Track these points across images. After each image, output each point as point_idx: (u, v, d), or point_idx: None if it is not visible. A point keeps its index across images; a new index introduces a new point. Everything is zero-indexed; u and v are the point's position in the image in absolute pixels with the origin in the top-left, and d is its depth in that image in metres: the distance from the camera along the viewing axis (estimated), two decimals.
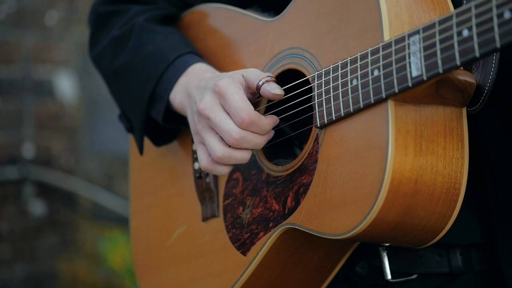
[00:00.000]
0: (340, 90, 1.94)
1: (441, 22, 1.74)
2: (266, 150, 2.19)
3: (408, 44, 1.80)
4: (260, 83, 2.05)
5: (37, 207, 6.33)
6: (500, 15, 1.62)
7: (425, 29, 1.77)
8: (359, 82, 1.90)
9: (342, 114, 1.93)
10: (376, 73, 1.86)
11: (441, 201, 1.88)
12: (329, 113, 1.96)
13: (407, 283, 2.10)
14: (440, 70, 1.74)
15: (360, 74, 1.90)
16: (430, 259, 2.08)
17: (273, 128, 2.13)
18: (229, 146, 2.04)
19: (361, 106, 1.89)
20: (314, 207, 1.98)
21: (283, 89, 2.10)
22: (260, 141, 2.04)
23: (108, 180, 6.48)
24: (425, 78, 1.77)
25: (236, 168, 2.23)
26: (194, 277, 2.34)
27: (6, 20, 6.18)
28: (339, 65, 1.95)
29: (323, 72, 1.99)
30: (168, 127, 2.35)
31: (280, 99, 2.08)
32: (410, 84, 1.80)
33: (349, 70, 1.92)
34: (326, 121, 1.97)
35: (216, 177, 2.30)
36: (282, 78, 2.14)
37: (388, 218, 1.85)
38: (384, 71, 1.84)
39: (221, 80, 2.06)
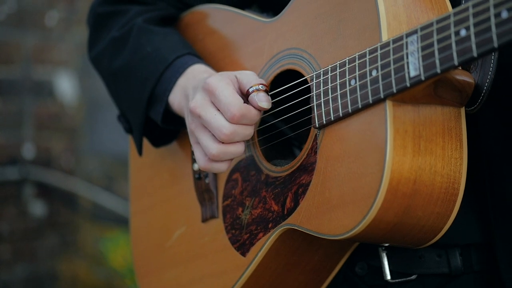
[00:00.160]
0: (338, 90, 1.94)
1: (438, 21, 1.74)
2: (265, 151, 2.19)
3: (406, 44, 1.80)
4: (251, 90, 2.05)
5: (37, 208, 6.33)
6: (497, 15, 1.61)
7: (423, 28, 1.77)
8: (357, 82, 1.90)
9: (341, 114, 1.93)
10: (374, 73, 1.86)
11: (439, 201, 1.88)
12: (327, 114, 1.96)
13: (407, 283, 2.10)
14: (438, 70, 1.74)
15: (358, 74, 1.90)
16: (430, 260, 2.08)
17: (272, 129, 2.14)
18: (223, 142, 2.04)
19: (360, 106, 1.89)
20: (313, 208, 1.98)
21: (282, 89, 2.11)
22: (250, 131, 2.05)
23: (108, 180, 6.48)
24: (423, 78, 1.77)
25: (236, 168, 2.23)
26: (193, 277, 2.34)
27: (6, 20, 6.18)
28: (337, 65, 1.95)
29: (322, 72, 1.99)
30: (167, 128, 2.35)
31: (266, 110, 2.08)
32: (408, 84, 1.80)
33: (347, 70, 1.92)
34: (324, 122, 1.97)
35: (215, 178, 2.30)
36: (281, 79, 2.14)
37: (387, 218, 1.85)
38: (382, 71, 1.84)
39: (210, 78, 2.07)
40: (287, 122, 2.19)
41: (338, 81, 1.95)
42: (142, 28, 2.37)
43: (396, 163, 1.82)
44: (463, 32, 1.69)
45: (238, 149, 2.06)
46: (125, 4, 2.48)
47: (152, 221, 2.52)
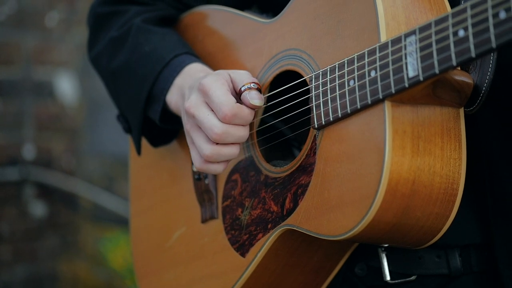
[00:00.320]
0: (337, 91, 1.94)
1: (437, 22, 1.74)
2: (264, 152, 2.19)
3: (405, 45, 1.80)
4: (243, 88, 2.06)
5: (38, 208, 6.33)
6: (495, 15, 1.61)
7: (421, 29, 1.77)
8: (356, 83, 1.90)
9: (340, 115, 1.93)
10: (373, 74, 1.86)
11: (438, 201, 1.88)
12: (326, 114, 1.96)
13: (406, 284, 2.10)
14: (437, 71, 1.74)
15: (357, 75, 1.90)
16: (429, 260, 2.08)
17: (272, 129, 2.14)
18: (217, 144, 2.04)
19: (358, 107, 1.89)
20: (312, 208, 1.98)
21: (282, 90, 2.11)
22: (243, 133, 2.05)
23: (108, 181, 6.48)
24: (421, 78, 1.77)
25: (235, 169, 2.23)
26: (193, 278, 2.34)
27: (6, 21, 6.18)
28: (336, 66, 1.95)
29: (320, 73, 1.99)
30: (165, 128, 2.36)
31: (259, 108, 2.08)
32: (406, 85, 1.80)
33: (346, 71, 1.92)
34: (323, 122, 1.97)
35: (215, 179, 2.30)
36: (281, 79, 2.14)
37: (386, 219, 1.85)
38: (381, 72, 1.84)
39: (205, 78, 2.07)
40: (287, 122, 2.20)
41: (337, 82, 1.95)
42: (140, 27, 2.37)
43: (395, 163, 1.82)
44: (461, 33, 1.69)
45: (232, 151, 2.06)
46: (124, 5, 2.48)
47: (152, 221, 2.53)
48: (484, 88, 1.88)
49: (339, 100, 1.93)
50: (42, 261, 6.35)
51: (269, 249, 2.11)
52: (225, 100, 2.02)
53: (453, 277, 2.08)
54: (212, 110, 2.04)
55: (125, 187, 6.19)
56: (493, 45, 1.63)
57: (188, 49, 2.33)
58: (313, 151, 2.01)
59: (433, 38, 1.74)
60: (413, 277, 2.09)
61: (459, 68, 1.87)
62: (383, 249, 2.07)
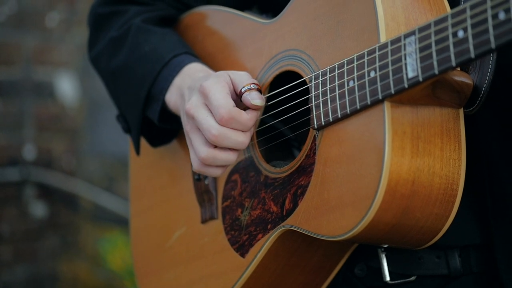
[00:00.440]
0: (337, 91, 1.94)
1: (436, 23, 1.74)
2: (264, 152, 2.19)
3: (404, 45, 1.80)
4: (243, 90, 2.06)
5: (38, 209, 6.33)
6: (495, 16, 1.61)
7: (421, 30, 1.77)
8: (356, 83, 1.90)
9: (339, 115, 1.93)
10: (372, 74, 1.86)
11: (438, 202, 1.88)
12: (326, 115, 1.96)
13: (406, 284, 2.10)
14: (436, 71, 1.74)
15: (357, 75, 1.90)
16: (429, 261, 2.08)
17: (272, 130, 2.14)
18: (214, 147, 2.04)
19: (358, 107, 1.89)
20: (312, 209, 1.98)
21: (281, 90, 2.11)
22: (242, 138, 2.04)
23: (109, 181, 6.48)
24: (421, 79, 1.77)
25: (235, 170, 2.23)
26: (193, 278, 2.34)
27: (7, 21, 6.18)
28: (336, 66, 1.95)
29: (320, 73, 1.99)
30: (164, 128, 2.36)
31: (260, 109, 2.08)
32: (406, 85, 1.80)
33: (345, 71, 1.92)
34: (323, 123, 1.97)
35: (214, 179, 2.30)
36: (281, 80, 2.14)
37: (385, 219, 1.85)
38: (380, 72, 1.84)
39: (206, 80, 2.07)
40: (287, 123, 2.20)
41: (336, 82, 1.95)
42: (140, 27, 2.37)
43: (394, 164, 1.82)
44: (460, 34, 1.69)
45: (228, 157, 2.06)
46: (124, 5, 2.48)
47: (152, 221, 2.53)
48: (483, 88, 1.88)
49: (339, 101, 1.93)
50: (42, 262, 6.35)
51: (269, 249, 2.11)
52: (223, 103, 2.02)
53: (453, 277, 2.08)
54: (211, 112, 2.05)
55: (125, 187, 6.19)
56: (493, 46, 1.63)
57: (187, 49, 2.33)
58: (312, 151, 2.01)
59: (433, 38, 1.74)
60: (412, 278, 2.09)
61: (458, 69, 1.87)
62: (382, 249, 2.07)
